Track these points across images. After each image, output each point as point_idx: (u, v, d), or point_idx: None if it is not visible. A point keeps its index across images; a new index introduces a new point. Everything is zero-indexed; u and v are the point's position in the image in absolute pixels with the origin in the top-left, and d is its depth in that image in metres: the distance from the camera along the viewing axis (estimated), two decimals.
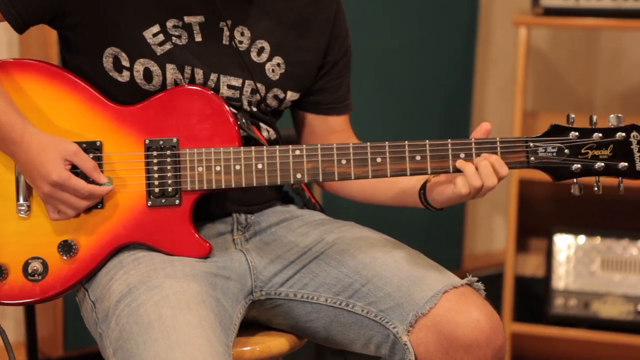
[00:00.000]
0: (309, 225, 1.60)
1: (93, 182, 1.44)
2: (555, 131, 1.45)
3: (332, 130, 1.67)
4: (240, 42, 1.53)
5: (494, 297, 1.53)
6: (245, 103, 1.55)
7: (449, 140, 1.45)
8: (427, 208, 1.51)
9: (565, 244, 2.75)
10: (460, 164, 1.43)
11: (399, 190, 1.56)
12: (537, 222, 2.97)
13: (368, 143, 1.45)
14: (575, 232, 2.75)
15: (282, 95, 1.59)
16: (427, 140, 1.45)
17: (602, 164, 1.44)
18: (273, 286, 1.54)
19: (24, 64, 1.50)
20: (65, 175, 1.41)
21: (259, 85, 1.55)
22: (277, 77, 1.57)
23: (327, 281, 1.52)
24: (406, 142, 1.45)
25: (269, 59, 1.56)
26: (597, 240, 2.74)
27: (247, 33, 1.54)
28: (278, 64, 1.57)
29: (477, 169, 1.42)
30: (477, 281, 1.48)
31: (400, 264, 1.49)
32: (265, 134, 1.58)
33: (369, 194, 1.62)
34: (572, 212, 2.90)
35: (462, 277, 1.48)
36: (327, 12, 1.61)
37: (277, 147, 1.47)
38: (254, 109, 1.56)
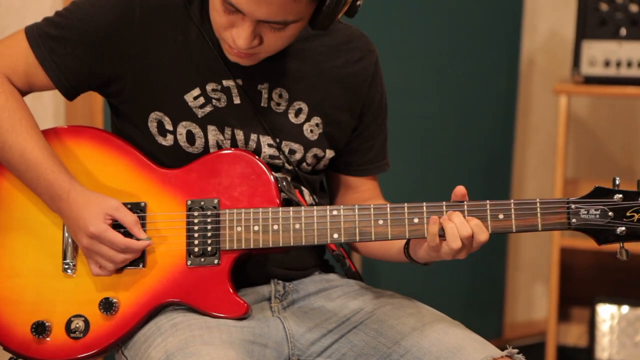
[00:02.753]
0: (347, 295, 1.59)
1: (134, 237, 1.47)
2: (599, 193, 1.42)
3: (356, 190, 1.68)
4: (279, 104, 1.56)
5: None
6: (284, 162, 1.57)
7: (487, 202, 1.44)
8: (412, 263, 1.52)
9: (608, 314, 2.71)
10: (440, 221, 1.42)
11: (398, 249, 1.55)
12: (579, 290, 2.94)
13: (405, 204, 1.46)
14: (619, 302, 2.71)
15: (321, 154, 1.60)
16: (465, 202, 1.44)
17: None
18: (311, 355, 1.54)
19: (77, 129, 1.57)
20: (103, 227, 1.45)
21: (296, 145, 1.57)
22: (315, 137, 1.59)
23: (365, 351, 1.51)
24: (444, 202, 1.45)
25: (307, 120, 1.58)
26: None
27: (285, 95, 1.57)
28: (317, 124, 1.59)
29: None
30: (518, 353, 1.46)
31: (440, 335, 1.48)
32: (307, 197, 1.60)
33: (379, 249, 1.61)
34: (615, 282, 2.87)
35: (502, 347, 1.46)
36: (364, 75, 1.62)
37: (315, 207, 1.48)
38: (295, 168, 1.58)
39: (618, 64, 2.60)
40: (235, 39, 1.41)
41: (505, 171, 3.05)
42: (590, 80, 2.62)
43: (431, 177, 2.90)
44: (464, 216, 1.42)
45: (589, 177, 3.14)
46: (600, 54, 2.61)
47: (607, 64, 2.61)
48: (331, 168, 1.67)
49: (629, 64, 2.60)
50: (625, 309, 2.70)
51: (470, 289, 2.99)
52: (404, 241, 1.52)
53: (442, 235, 1.42)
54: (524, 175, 3.19)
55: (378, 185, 1.71)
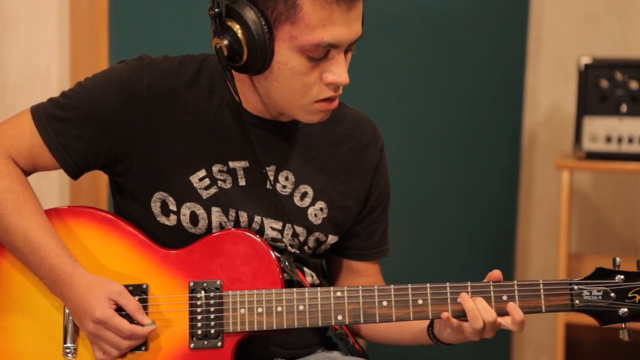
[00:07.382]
0: None
1: (137, 322, 1.46)
2: (600, 274, 1.44)
3: (359, 274, 1.68)
4: (284, 187, 1.57)
5: None
6: (287, 244, 1.57)
7: (491, 282, 1.45)
8: (437, 344, 1.52)
9: None
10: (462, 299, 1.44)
11: (417, 330, 1.56)
12: None
13: (409, 285, 1.46)
14: None
15: (323, 239, 1.60)
16: (469, 282, 1.45)
17: None
18: None
19: (77, 211, 1.56)
20: (109, 313, 1.44)
21: (299, 229, 1.57)
22: (319, 221, 1.59)
23: None
24: (447, 283, 1.46)
25: (312, 204, 1.58)
26: None
27: (292, 177, 1.57)
28: (321, 209, 1.59)
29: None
30: None
31: None
32: (309, 278, 1.59)
33: (393, 333, 1.61)
34: (621, 358, 2.83)
35: None
36: (371, 159, 1.63)
37: (319, 288, 1.47)
38: (297, 251, 1.58)
39: (619, 140, 2.62)
40: (337, 78, 1.41)
41: (508, 245, 3.04)
42: (592, 156, 2.63)
43: (434, 251, 2.89)
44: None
45: (592, 252, 3.13)
46: (601, 129, 2.63)
47: (608, 139, 2.62)
48: (332, 251, 1.66)
49: (630, 140, 2.61)
50: None
51: None
52: (424, 323, 1.52)
53: (462, 316, 1.43)
54: (527, 249, 3.18)
55: (380, 270, 1.71)
